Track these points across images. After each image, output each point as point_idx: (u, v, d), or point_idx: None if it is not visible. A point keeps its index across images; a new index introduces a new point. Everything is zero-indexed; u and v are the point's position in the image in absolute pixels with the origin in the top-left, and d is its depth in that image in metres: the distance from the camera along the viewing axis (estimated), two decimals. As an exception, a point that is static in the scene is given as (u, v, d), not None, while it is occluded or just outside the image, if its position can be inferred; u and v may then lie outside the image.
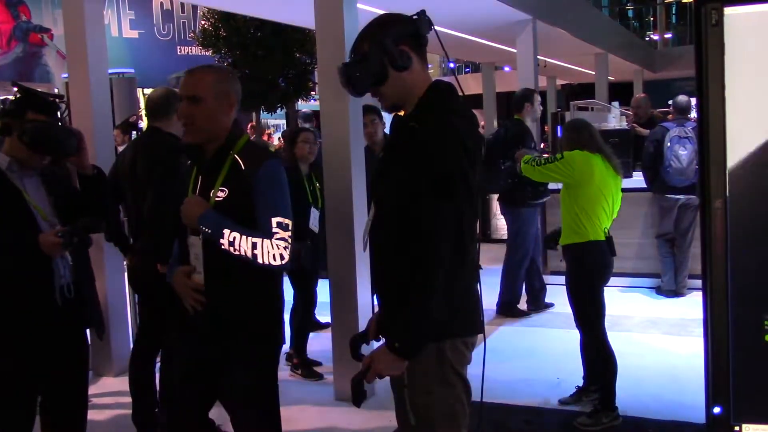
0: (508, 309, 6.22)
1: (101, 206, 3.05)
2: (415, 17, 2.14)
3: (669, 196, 6.43)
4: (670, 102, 6.81)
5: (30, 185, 2.77)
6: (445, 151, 2.00)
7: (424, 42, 2.16)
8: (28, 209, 2.71)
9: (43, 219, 2.74)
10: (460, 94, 2.25)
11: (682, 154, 6.29)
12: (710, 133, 2.02)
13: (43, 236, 2.67)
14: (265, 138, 13.55)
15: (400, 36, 2.10)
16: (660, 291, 6.71)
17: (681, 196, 6.44)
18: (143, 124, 5.04)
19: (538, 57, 8.86)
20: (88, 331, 3.07)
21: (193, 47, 14.99)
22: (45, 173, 2.84)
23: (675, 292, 6.60)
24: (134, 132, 5.29)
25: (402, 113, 2.21)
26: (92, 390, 4.53)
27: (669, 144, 6.32)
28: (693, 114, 6.67)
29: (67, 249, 2.74)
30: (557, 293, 5.70)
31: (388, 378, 2.17)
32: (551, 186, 5.68)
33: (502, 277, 6.26)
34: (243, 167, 2.55)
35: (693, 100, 6.91)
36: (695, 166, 6.12)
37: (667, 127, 6.47)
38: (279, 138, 12.90)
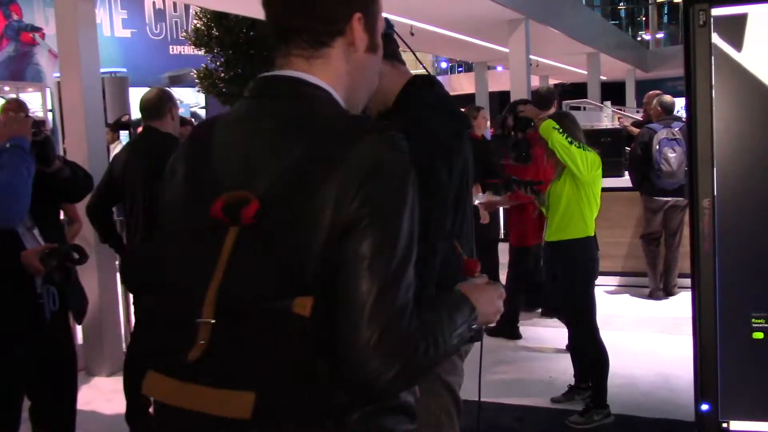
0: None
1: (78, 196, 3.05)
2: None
3: (657, 198, 6.28)
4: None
5: None
6: (416, 147, 1.99)
7: (396, 45, 2.18)
8: None
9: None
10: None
11: (671, 156, 6.09)
12: (698, 132, 2.04)
13: (25, 256, 2.62)
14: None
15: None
16: (651, 292, 6.64)
17: (669, 199, 6.30)
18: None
19: (531, 56, 8.88)
20: (80, 329, 3.05)
21: (185, 47, 14.96)
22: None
23: (665, 291, 6.59)
24: (125, 131, 5.27)
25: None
26: (84, 390, 4.53)
27: (657, 147, 6.10)
28: (681, 114, 6.60)
29: (48, 276, 2.69)
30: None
31: None
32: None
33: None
34: None
35: (677, 101, 6.85)
36: (685, 168, 6.07)
37: (654, 129, 6.25)
38: None
